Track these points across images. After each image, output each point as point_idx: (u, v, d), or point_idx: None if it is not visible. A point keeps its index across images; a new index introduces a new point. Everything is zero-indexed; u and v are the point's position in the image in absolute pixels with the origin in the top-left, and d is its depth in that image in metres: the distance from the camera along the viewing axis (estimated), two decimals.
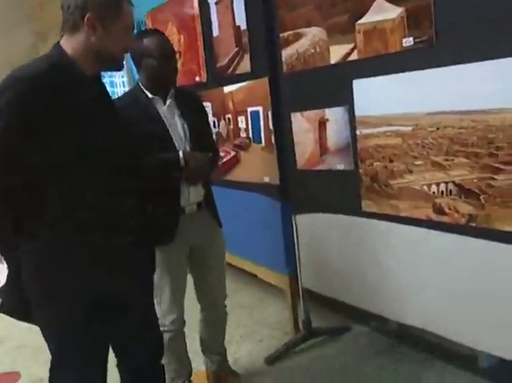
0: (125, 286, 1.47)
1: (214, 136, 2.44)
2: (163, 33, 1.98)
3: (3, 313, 1.43)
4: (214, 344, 2.27)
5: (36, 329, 1.44)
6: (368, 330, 2.63)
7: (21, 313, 1.42)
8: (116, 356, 1.60)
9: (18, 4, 6.32)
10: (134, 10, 1.38)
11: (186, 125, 1.96)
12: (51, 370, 1.44)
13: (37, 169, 1.28)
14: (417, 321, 1.99)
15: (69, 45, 1.33)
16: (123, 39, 1.36)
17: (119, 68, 1.45)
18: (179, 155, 1.85)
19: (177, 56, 1.96)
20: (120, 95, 2.23)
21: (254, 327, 2.81)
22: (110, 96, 1.52)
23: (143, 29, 3.85)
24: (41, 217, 1.33)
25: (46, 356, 1.45)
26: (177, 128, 1.94)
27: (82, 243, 1.35)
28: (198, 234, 2.02)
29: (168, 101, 1.94)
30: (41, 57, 1.34)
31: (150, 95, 1.92)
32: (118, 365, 1.63)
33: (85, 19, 1.29)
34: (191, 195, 1.96)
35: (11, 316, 1.44)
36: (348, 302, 2.31)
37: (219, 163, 2.19)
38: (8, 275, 1.42)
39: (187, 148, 1.93)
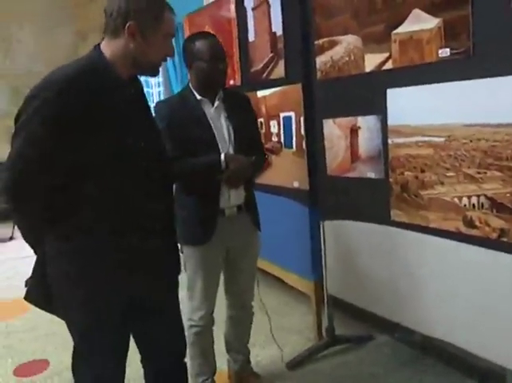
0: (156, 289, 1.49)
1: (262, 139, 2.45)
2: (215, 36, 2.01)
3: (28, 301, 1.47)
4: (238, 344, 2.30)
5: None
6: (392, 341, 2.61)
7: (45, 304, 1.45)
8: (141, 353, 1.64)
9: (60, 4, 6.52)
10: (175, 18, 1.41)
11: (231, 128, 1.98)
12: (73, 359, 1.48)
13: (71, 170, 1.30)
14: (442, 334, 1.97)
15: (109, 48, 1.36)
16: (161, 47, 1.38)
17: (155, 74, 1.47)
18: (220, 157, 1.88)
19: (227, 59, 1.98)
20: (160, 99, 2.28)
21: (278, 331, 2.81)
22: (146, 99, 1.54)
23: (180, 32, 3.94)
24: (76, 218, 1.35)
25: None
26: (222, 131, 1.97)
27: (118, 246, 1.37)
28: (237, 237, 2.05)
29: (216, 103, 1.98)
30: (80, 58, 1.38)
31: (199, 96, 1.96)
32: (142, 361, 1.66)
33: (126, 27, 1.31)
34: (232, 198, 1.99)
35: (35, 305, 1.48)
36: (373, 311, 2.30)
37: (264, 167, 2.18)
38: (34, 267, 1.45)
39: (231, 151, 1.96)
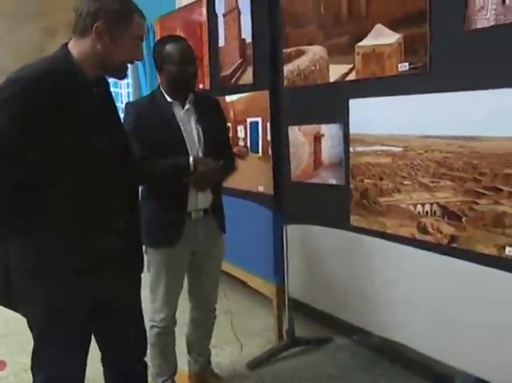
0: (120, 289, 1.50)
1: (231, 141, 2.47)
2: (185, 40, 2.03)
3: None
4: (200, 345, 2.32)
5: (22, 318, 1.47)
6: (351, 343, 2.69)
7: (3, 298, 1.44)
8: (101, 352, 1.64)
9: (27, 2, 6.40)
10: (145, 21, 1.42)
11: (201, 131, 2.00)
12: (32, 357, 1.47)
13: (37, 167, 1.30)
14: (398, 337, 2.05)
15: (76, 48, 1.36)
16: (129, 50, 1.38)
17: (122, 77, 1.48)
18: (189, 159, 1.90)
19: (197, 63, 2.01)
20: (128, 100, 2.28)
21: (239, 333, 2.86)
22: (113, 99, 1.54)
23: (151, 34, 3.95)
24: (40, 216, 1.35)
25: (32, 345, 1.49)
26: (192, 134, 1.99)
27: (82, 246, 1.37)
28: (202, 241, 2.06)
29: (187, 106, 2.00)
30: (48, 57, 1.38)
31: (169, 99, 1.98)
32: (102, 360, 1.67)
33: (94, 27, 1.32)
34: (199, 201, 2.01)
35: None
36: (332, 313, 2.37)
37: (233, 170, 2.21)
38: None
39: (200, 154, 1.98)
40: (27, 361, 1.49)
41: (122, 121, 1.61)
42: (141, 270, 1.65)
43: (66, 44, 1.39)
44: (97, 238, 1.39)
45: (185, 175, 1.89)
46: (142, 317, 1.70)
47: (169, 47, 1.95)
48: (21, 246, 1.38)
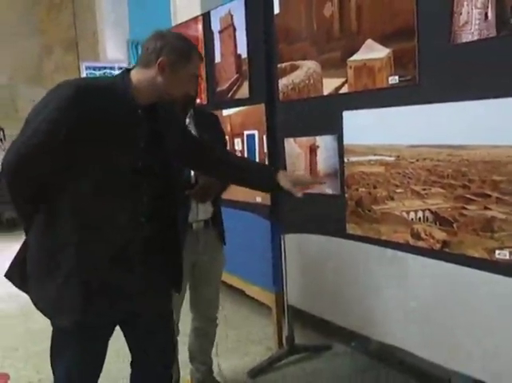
0: (143, 301, 1.56)
1: None
2: None
3: (6, 278, 1.56)
4: (201, 354, 2.36)
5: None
6: (349, 350, 2.74)
7: (20, 284, 1.54)
8: (132, 356, 1.70)
9: (26, 17, 6.52)
10: (201, 62, 1.62)
11: None
12: (50, 351, 1.55)
13: (60, 166, 1.40)
14: (394, 340, 2.10)
15: (137, 75, 1.49)
16: (185, 85, 1.53)
17: (175, 108, 1.65)
18: (190, 172, 1.96)
19: (198, 81, 2.09)
20: None
21: (240, 341, 2.91)
22: (161, 130, 1.58)
23: None
24: (53, 218, 1.45)
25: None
26: None
27: (89, 266, 1.45)
28: (203, 252, 2.12)
29: (187, 121, 2.06)
30: (106, 77, 1.52)
31: None
32: (131, 364, 1.72)
33: (158, 61, 1.45)
34: (200, 213, 2.07)
35: (11, 282, 1.56)
36: (331, 319, 2.42)
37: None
38: (20, 246, 1.55)
39: None
40: (30, 374, 1.54)
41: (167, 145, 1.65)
42: (170, 288, 1.72)
43: (128, 70, 1.53)
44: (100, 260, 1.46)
45: (187, 188, 1.95)
46: (171, 329, 1.75)
47: None
48: (36, 241, 1.49)
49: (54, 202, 1.44)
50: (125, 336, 1.66)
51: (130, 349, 1.69)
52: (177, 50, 1.47)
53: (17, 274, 1.53)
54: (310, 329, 2.90)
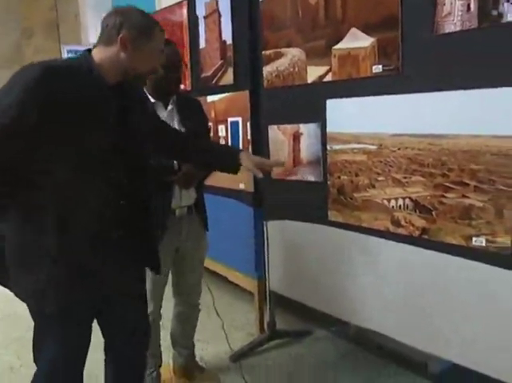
0: (118, 283, 1.55)
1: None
2: (174, 45, 2.07)
3: None
4: (184, 339, 2.39)
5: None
6: (329, 334, 2.79)
7: (1, 279, 1.50)
8: (104, 340, 1.70)
9: (4, 1, 6.36)
10: (165, 36, 1.53)
11: (184, 130, 2.06)
12: (33, 345, 1.53)
13: (31, 150, 1.34)
14: (373, 325, 2.15)
15: (99, 54, 1.46)
16: (150, 60, 1.50)
17: (140, 84, 1.60)
18: None
19: (182, 68, 2.06)
20: None
21: (221, 327, 2.93)
22: (130, 108, 1.56)
23: None
24: (29, 204, 1.40)
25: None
26: None
27: (63, 244, 1.42)
28: (186, 238, 2.13)
29: (170, 107, 2.05)
30: (69, 59, 1.51)
31: (152, 99, 2.03)
32: (105, 349, 1.72)
33: (119, 37, 1.42)
34: (183, 199, 2.07)
35: None
36: (311, 305, 2.47)
37: None
38: None
39: None
40: (11, 359, 1.54)
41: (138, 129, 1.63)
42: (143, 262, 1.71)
43: (89, 50, 1.49)
44: (79, 237, 1.44)
45: (170, 174, 1.95)
46: (144, 313, 1.75)
47: None
48: (14, 231, 1.45)
49: (30, 190, 1.41)
50: (98, 321, 1.64)
51: (103, 335, 1.68)
52: (138, 25, 1.44)
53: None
54: (291, 315, 2.94)
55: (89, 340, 1.57)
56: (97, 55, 1.46)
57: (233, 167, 1.82)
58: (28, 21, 6.42)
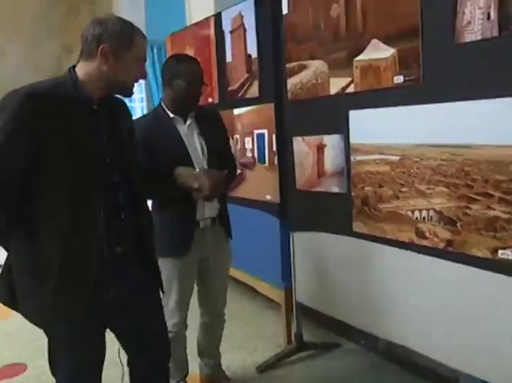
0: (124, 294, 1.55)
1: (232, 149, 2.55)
2: (198, 62, 2.11)
3: None
4: (210, 349, 2.41)
5: None
6: (358, 347, 2.76)
7: (9, 299, 1.50)
8: (127, 355, 1.72)
9: (46, 17, 6.65)
10: (147, 43, 1.51)
11: (204, 143, 2.10)
12: (49, 358, 1.56)
13: (27, 178, 1.35)
14: (402, 340, 2.11)
15: (82, 70, 1.44)
16: (132, 70, 1.47)
17: (127, 95, 1.54)
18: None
19: (203, 86, 2.10)
20: (143, 113, 2.37)
21: (250, 337, 2.95)
22: (120, 117, 1.58)
23: (163, 51, 4.10)
24: (32, 226, 1.40)
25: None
26: (196, 147, 2.09)
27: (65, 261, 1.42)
28: (210, 248, 2.16)
29: (189, 121, 2.10)
30: (56, 77, 1.47)
31: (171, 114, 2.08)
32: (128, 364, 1.74)
33: (100, 49, 1.40)
34: (206, 210, 2.10)
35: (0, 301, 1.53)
36: (338, 317, 2.44)
37: (236, 176, 2.32)
38: (5, 262, 1.50)
39: (205, 165, 2.07)
40: (47, 363, 1.59)
41: (129, 142, 1.64)
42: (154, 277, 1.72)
43: (74, 66, 1.48)
44: (80, 251, 1.43)
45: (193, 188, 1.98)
46: (160, 320, 1.76)
47: (183, 64, 2.05)
48: (19, 252, 1.46)
49: (30, 214, 1.41)
50: (117, 337, 1.66)
51: (123, 347, 1.70)
52: (118, 35, 1.41)
53: (4, 289, 1.50)
54: (320, 326, 2.93)
55: (104, 351, 1.59)
56: (81, 71, 1.44)
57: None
58: (68, 37, 6.69)
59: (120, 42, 1.42)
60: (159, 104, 2.14)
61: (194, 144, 2.09)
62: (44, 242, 1.41)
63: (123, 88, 1.51)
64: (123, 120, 1.61)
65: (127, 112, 1.69)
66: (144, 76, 1.55)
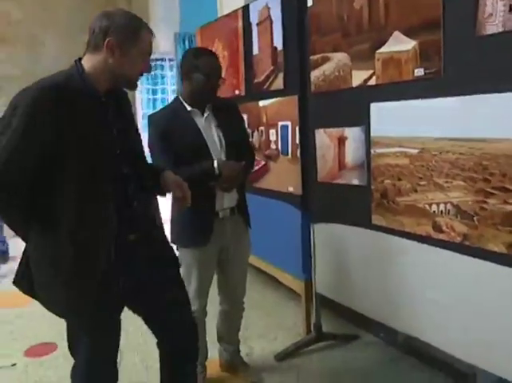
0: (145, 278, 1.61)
1: (250, 139, 2.54)
2: (217, 55, 2.17)
3: (15, 286, 1.57)
4: (229, 335, 2.48)
5: None
6: (377, 340, 2.76)
7: (28, 289, 1.55)
8: (156, 337, 1.78)
9: (81, 9, 6.83)
10: (153, 38, 1.53)
11: (222, 135, 2.14)
12: (68, 341, 1.64)
13: (40, 170, 1.39)
14: (420, 334, 2.11)
15: (89, 62, 1.47)
16: (138, 64, 1.49)
17: (132, 88, 1.58)
18: (213, 164, 2.04)
19: (221, 80, 2.14)
20: (162, 107, 2.41)
21: (270, 327, 3.00)
22: (125, 109, 1.61)
23: (193, 42, 4.16)
24: (48, 218, 1.45)
25: None
26: (213, 139, 2.13)
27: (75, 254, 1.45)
28: (230, 238, 2.21)
29: (206, 114, 2.14)
30: (62, 71, 1.49)
31: (189, 107, 2.12)
32: (158, 344, 1.80)
33: (106, 42, 1.42)
34: (225, 201, 2.15)
35: (20, 289, 1.57)
36: (357, 309, 2.46)
37: (254, 167, 2.35)
38: (22, 254, 1.56)
39: (223, 157, 2.12)
40: None
41: (136, 131, 1.68)
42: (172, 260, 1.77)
43: (80, 59, 1.49)
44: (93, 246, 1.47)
45: (211, 179, 2.03)
46: (184, 307, 1.80)
47: (203, 58, 2.09)
48: (37, 245, 1.51)
49: (44, 208, 1.44)
50: (147, 324, 1.72)
51: (152, 330, 1.76)
52: (124, 28, 1.43)
53: (24, 280, 1.55)
54: (340, 318, 2.94)
55: (118, 337, 1.65)
56: (87, 63, 1.46)
57: (157, 188, 1.73)
58: None
59: (126, 36, 1.44)
60: (177, 97, 2.19)
61: (212, 136, 2.13)
62: (57, 236, 1.45)
63: (128, 81, 1.53)
64: (128, 111, 1.64)
65: (128, 101, 1.71)
66: (149, 70, 1.57)
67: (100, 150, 1.46)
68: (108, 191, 1.49)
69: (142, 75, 1.56)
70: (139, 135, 1.71)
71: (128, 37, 1.44)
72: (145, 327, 1.78)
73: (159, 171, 1.69)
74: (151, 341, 1.84)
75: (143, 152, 1.73)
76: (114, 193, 1.50)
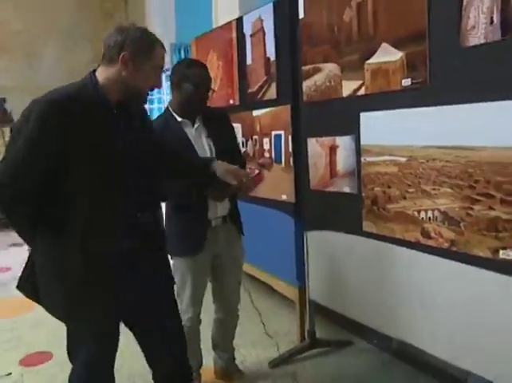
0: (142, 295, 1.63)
1: (241, 148, 2.56)
2: (206, 66, 2.21)
3: (19, 290, 1.61)
4: (223, 342, 2.50)
5: None
6: (371, 346, 2.79)
7: (32, 294, 1.59)
8: (149, 364, 1.79)
9: (80, 22, 6.91)
10: (165, 53, 1.59)
11: (212, 145, 2.18)
12: (67, 347, 1.66)
13: (50, 180, 1.43)
14: (411, 339, 2.13)
15: (103, 74, 1.52)
16: (150, 77, 1.54)
17: (140, 101, 1.64)
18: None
19: (211, 91, 2.19)
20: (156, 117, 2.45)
21: (265, 334, 3.02)
22: (137, 119, 1.64)
23: (189, 52, 4.21)
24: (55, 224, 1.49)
25: None
26: (204, 149, 2.17)
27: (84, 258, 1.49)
28: (223, 246, 2.24)
29: (196, 125, 2.18)
30: (76, 82, 1.55)
31: (179, 118, 2.16)
32: (147, 362, 1.79)
33: (121, 56, 1.47)
34: (218, 210, 2.19)
35: (24, 294, 1.61)
36: (350, 315, 2.49)
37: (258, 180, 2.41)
38: (28, 257, 1.61)
39: None
40: None
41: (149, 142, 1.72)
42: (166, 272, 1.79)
43: (94, 70, 1.55)
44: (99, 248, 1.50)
45: (204, 189, 2.06)
46: (179, 322, 1.82)
47: (193, 69, 2.13)
48: (42, 251, 1.56)
49: (52, 216, 1.48)
50: (135, 336, 1.73)
51: (141, 348, 1.76)
52: (138, 43, 1.48)
53: (28, 283, 1.58)
54: (333, 324, 2.97)
55: (117, 343, 1.67)
56: (102, 75, 1.52)
57: (207, 175, 1.85)
58: (101, 42, 6.94)
59: (140, 50, 1.49)
60: (166, 109, 2.22)
61: (203, 146, 2.17)
62: (65, 243, 1.49)
63: (138, 93, 1.57)
64: (141, 123, 1.68)
65: (144, 112, 1.76)
66: (160, 86, 1.62)
67: (111, 160, 1.50)
68: (118, 201, 1.52)
69: (153, 90, 1.61)
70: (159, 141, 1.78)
71: (142, 52, 1.50)
72: None
73: (207, 163, 1.85)
74: None
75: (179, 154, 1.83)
76: (124, 202, 1.53)
